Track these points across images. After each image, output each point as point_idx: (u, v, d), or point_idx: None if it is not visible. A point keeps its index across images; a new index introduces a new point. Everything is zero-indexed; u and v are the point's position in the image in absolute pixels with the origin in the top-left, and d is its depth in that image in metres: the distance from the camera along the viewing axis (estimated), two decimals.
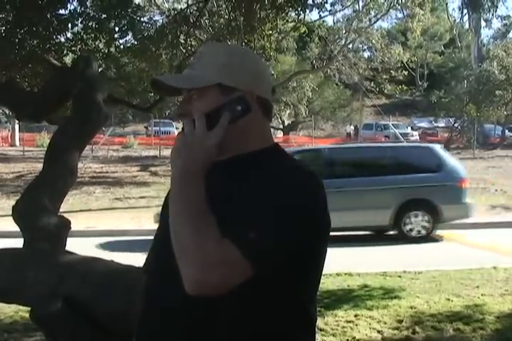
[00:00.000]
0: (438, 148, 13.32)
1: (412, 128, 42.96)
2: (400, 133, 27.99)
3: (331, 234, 1.70)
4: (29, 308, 3.16)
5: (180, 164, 1.54)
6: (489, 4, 39.40)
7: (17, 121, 29.78)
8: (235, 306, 1.55)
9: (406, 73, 42.42)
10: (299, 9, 8.72)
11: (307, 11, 9.26)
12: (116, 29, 7.39)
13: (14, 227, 3.64)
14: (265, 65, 1.85)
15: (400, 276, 8.29)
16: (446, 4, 48.60)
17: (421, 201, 11.93)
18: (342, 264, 8.35)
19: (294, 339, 1.64)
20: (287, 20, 10.64)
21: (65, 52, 7.01)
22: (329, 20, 73.26)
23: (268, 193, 1.55)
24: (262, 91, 1.70)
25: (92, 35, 7.06)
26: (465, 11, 43.02)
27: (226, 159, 1.67)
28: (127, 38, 8.07)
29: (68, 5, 7.10)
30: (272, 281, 1.55)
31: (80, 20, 7.03)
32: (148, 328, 1.67)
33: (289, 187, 1.57)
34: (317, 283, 1.72)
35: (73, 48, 7.05)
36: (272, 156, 1.70)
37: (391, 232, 12.23)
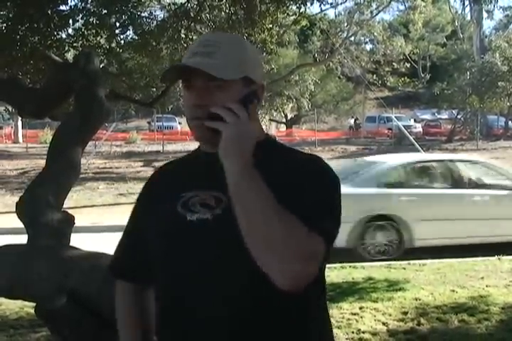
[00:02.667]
0: None
1: (415, 121, 42.96)
2: (403, 126, 27.92)
3: None
4: (34, 304, 3.17)
5: (239, 155, 1.49)
6: None
7: (20, 118, 29.79)
8: (290, 307, 1.55)
9: (408, 65, 42.44)
10: (300, 2, 8.69)
11: (308, 4, 9.22)
12: (117, 24, 7.37)
13: (18, 223, 3.65)
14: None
15: (404, 268, 8.30)
16: None
17: None
18: (343, 256, 8.37)
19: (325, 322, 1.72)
20: (288, 14, 10.60)
21: (66, 48, 6.99)
22: (331, 13, 73.08)
23: (311, 181, 1.58)
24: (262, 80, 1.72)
25: (93, 31, 7.05)
26: (466, 2, 42.85)
27: None
28: (128, 33, 8.05)
29: (69, 1, 7.08)
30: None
31: (80, 16, 7.01)
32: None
33: (323, 171, 1.64)
34: None
35: (74, 44, 7.04)
36: (274, 145, 1.74)
37: None
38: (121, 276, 1.86)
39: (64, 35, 7.17)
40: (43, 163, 4.04)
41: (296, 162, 1.63)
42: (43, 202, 3.59)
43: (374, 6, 34.18)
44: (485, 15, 44.94)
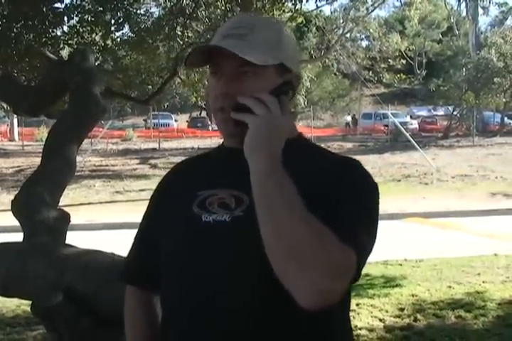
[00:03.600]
0: None
1: (411, 117, 42.95)
2: (399, 122, 27.92)
3: None
4: (30, 302, 3.17)
5: (267, 153, 1.31)
6: None
7: (15, 116, 29.76)
8: (313, 321, 1.39)
9: (404, 62, 42.47)
10: None
11: (304, 1, 9.22)
12: (113, 22, 7.36)
13: (14, 221, 3.64)
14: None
15: (400, 264, 8.32)
16: None
17: None
18: None
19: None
20: (284, 11, 10.61)
21: (61, 45, 6.98)
22: (326, 10, 73.03)
23: (347, 187, 1.40)
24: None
25: (88, 28, 7.04)
26: None
27: None
28: (124, 31, 8.04)
29: None
30: None
31: (75, 13, 7.00)
32: None
33: (361, 178, 1.46)
34: None
35: (69, 42, 7.03)
36: (307, 145, 1.57)
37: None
38: (136, 283, 1.67)
39: (59, 33, 7.16)
40: (38, 160, 4.03)
41: (331, 164, 1.47)
42: (38, 199, 3.58)
43: (369, 2, 34.20)
44: (480, 11, 45.07)
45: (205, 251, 1.42)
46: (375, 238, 1.40)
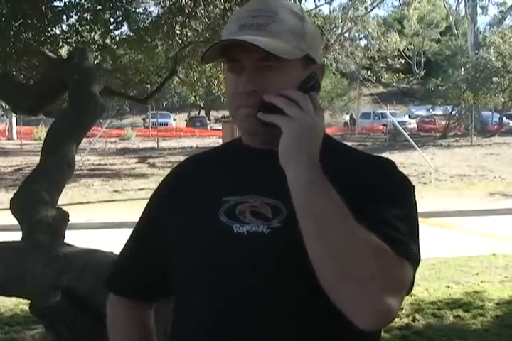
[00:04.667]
0: None
1: (409, 117, 43.00)
2: (398, 122, 27.92)
3: None
4: (29, 301, 3.16)
5: (306, 159, 1.18)
6: None
7: (14, 115, 29.75)
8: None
9: (403, 61, 42.46)
10: None
11: (303, 0, 9.22)
12: (112, 20, 7.36)
13: (13, 220, 3.64)
14: None
15: None
16: None
17: None
18: None
19: None
20: None
21: (60, 44, 6.99)
22: (325, 9, 73.11)
23: (388, 190, 1.28)
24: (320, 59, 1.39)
25: (88, 27, 7.04)
26: None
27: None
28: (123, 30, 8.05)
29: None
30: None
31: (74, 12, 7.00)
32: None
33: (401, 180, 1.33)
34: None
35: (68, 40, 7.03)
36: (334, 143, 1.40)
37: None
38: (124, 292, 1.54)
39: (58, 31, 7.16)
40: (37, 159, 4.02)
41: (366, 165, 1.33)
42: (37, 198, 3.57)
43: (368, 1, 34.24)
44: (479, 11, 45.07)
45: (239, 265, 1.26)
46: (419, 244, 1.27)
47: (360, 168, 1.31)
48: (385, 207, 1.23)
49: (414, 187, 1.35)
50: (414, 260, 1.20)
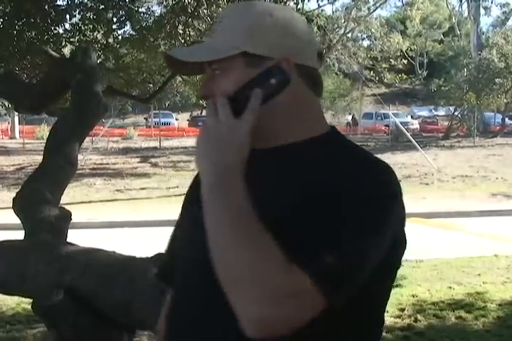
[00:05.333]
0: None
1: (412, 117, 42.93)
2: (400, 122, 27.91)
3: None
4: (31, 300, 3.16)
5: (209, 167, 1.19)
6: None
7: (16, 114, 29.76)
8: None
9: (405, 62, 42.44)
10: None
11: (306, 0, 9.21)
12: (115, 20, 7.36)
13: (15, 219, 3.64)
14: (305, 22, 1.35)
15: (401, 265, 8.30)
16: None
17: None
18: None
19: None
20: None
21: (63, 43, 6.99)
22: (328, 9, 73.04)
23: (335, 197, 1.18)
24: (303, 57, 1.30)
25: (90, 26, 7.04)
26: None
27: (267, 150, 1.31)
28: (125, 29, 8.04)
29: None
30: (357, 308, 1.24)
31: (77, 11, 7.01)
32: None
33: (362, 186, 1.20)
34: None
35: (71, 39, 7.04)
36: (328, 145, 1.31)
37: None
38: (164, 281, 1.54)
39: (61, 31, 7.16)
40: (39, 158, 4.02)
41: (344, 170, 1.23)
42: (40, 197, 3.58)
43: (371, 2, 34.20)
44: (482, 11, 45.08)
45: (201, 264, 1.24)
46: (364, 256, 1.17)
47: (337, 174, 1.22)
48: (325, 215, 1.17)
49: (392, 195, 1.27)
50: (323, 271, 1.12)
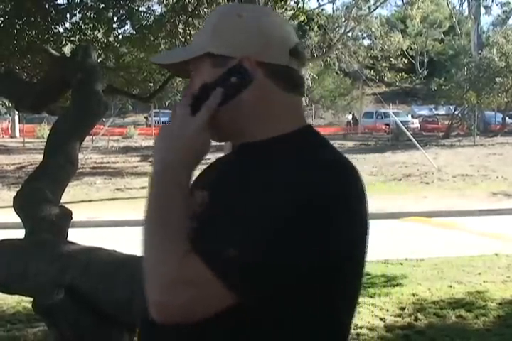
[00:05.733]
0: None
1: (412, 116, 42.94)
2: (401, 121, 27.91)
3: None
4: (31, 299, 3.16)
5: (158, 159, 1.26)
6: None
7: (17, 113, 29.75)
8: None
9: (406, 61, 42.36)
10: None
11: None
12: (115, 19, 7.36)
13: (15, 218, 3.64)
14: (279, 23, 1.37)
15: (401, 264, 8.31)
16: None
17: None
18: None
19: None
20: (286, 9, 10.60)
21: (63, 42, 6.98)
22: (328, 8, 73.02)
23: (260, 192, 1.20)
24: (268, 55, 1.31)
25: (91, 25, 7.04)
26: None
27: (235, 149, 1.38)
28: (126, 28, 8.04)
29: None
30: (284, 307, 1.22)
31: (78, 10, 7.00)
32: None
33: (294, 184, 1.19)
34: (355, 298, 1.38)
35: (72, 38, 7.03)
36: (291, 144, 1.30)
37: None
38: None
39: (61, 29, 7.16)
40: (40, 157, 4.02)
41: (287, 169, 1.22)
42: (40, 196, 3.58)
43: (372, 1, 34.10)
44: (483, 10, 44.99)
45: None
46: (274, 256, 1.16)
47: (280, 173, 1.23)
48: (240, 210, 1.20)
49: (335, 197, 1.20)
50: (211, 256, 1.16)
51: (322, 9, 37.40)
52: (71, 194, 14.11)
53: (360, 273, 1.32)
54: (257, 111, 1.31)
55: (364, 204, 1.27)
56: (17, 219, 3.60)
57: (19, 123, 35.05)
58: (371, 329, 5.46)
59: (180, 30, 7.97)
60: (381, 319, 5.75)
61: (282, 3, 8.78)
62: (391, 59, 40.06)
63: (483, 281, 7.17)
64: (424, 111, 46.49)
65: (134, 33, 7.92)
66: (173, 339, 1.27)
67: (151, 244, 1.21)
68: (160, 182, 1.24)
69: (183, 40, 8.02)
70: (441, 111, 43.49)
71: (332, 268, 1.22)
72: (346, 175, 1.26)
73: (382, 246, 9.69)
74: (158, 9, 9.31)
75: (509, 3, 48.98)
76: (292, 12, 13.76)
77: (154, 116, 36.92)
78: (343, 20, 35.79)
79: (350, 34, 37.27)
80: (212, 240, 1.18)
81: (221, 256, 1.15)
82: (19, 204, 3.61)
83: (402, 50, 40.47)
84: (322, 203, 1.18)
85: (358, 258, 1.29)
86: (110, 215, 12.73)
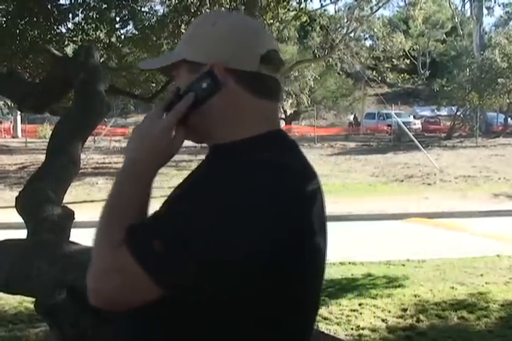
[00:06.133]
0: None
1: (414, 117, 42.89)
2: (403, 122, 27.90)
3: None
4: (33, 299, 3.16)
5: (127, 156, 1.36)
6: None
7: (19, 113, 29.77)
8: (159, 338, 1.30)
9: (408, 62, 42.34)
10: None
11: (308, 0, 9.21)
12: (117, 19, 7.35)
13: (18, 218, 3.64)
14: (253, 30, 1.41)
15: (403, 265, 8.30)
16: None
17: None
18: (345, 253, 8.35)
19: None
20: (288, 9, 10.61)
21: (66, 42, 6.98)
22: (331, 9, 73.05)
23: (193, 188, 1.30)
24: (238, 62, 1.36)
25: (93, 25, 7.03)
26: None
27: (209, 150, 1.43)
28: (128, 28, 8.02)
29: None
30: (216, 308, 1.24)
31: (80, 10, 6.99)
32: None
33: (222, 181, 1.25)
34: (309, 312, 1.36)
35: (74, 38, 7.03)
36: (249, 147, 1.35)
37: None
38: None
39: (64, 30, 7.15)
40: (42, 157, 4.02)
41: (229, 173, 1.28)
42: (42, 196, 3.57)
43: (374, 1, 34.08)
44: (485, 11, 44.91)
45: None
46: (200, 255, 1.20)
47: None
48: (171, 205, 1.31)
49: (242, 209, 1.22)
50: (133, 246, 1.23)
51: (324, 10, 37.41)
52: (73, 194, 14.12)
53: (298, 277, 1.29)
54: (225, 115, 1.36)
55: (306, 210, 1.28)
56: (19, 219, 3.60)
57: (21, 123, 35.08)
58: (373, 330, 5.46)
59: (183, 31, 7.96)
60: (383, 320, 5.75)
61: (285, 3, 8.78)
62: (393, 60, 40.03)
63: (485, 283, 7.17)
64: (426, 112, 46.43)
65: (137, 33, 7.91)
66: (120, 328, 1.40)
67: (96, 233, 1.31)
68: (119, 179, 1.35)
69: None
70: (444, 112, 43.43)
71: (254, 266, 1.22)
72: (282, 177, 1.26)
73: (384, 247, 9.71)
74: (160, 9, 9.31)
75: (511, 4, 48.95)
76: (294, 12, 13.77)
77: None
78: (346, 20, 35.77)
79: (352, 35, 37.26)
80: (143, 232, 1.25)
81: (146, 248, 1.21)
82: (21, 204, 3.61)
83: (404, 50, 40.45)
84: (245, 204, 1.21)
85: (293, 261, 1.26)
86: None
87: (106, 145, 28.45)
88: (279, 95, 1.43)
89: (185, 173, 1.47)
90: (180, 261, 1.20)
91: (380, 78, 41.86)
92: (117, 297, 1.25)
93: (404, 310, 6.06)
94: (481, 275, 7.61)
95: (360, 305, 6.16)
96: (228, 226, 1.20)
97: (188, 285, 1.22)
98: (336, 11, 40.06)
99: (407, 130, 25.52)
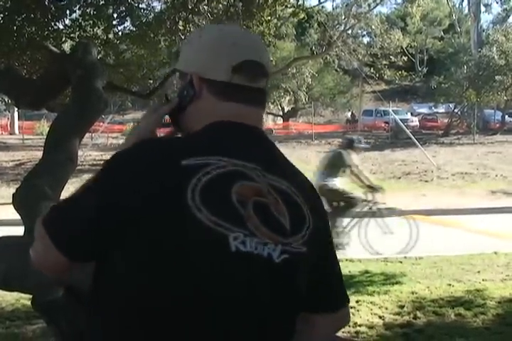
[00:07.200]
0: None
1: (411, 114, 42.92)
2: (400, 119, 27.90)
3: None
4: (30, 296, 3.16)
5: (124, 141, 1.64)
6: None
7: (16, 109, 29.75)
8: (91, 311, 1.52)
9: (405, 59, 42.31)
10: None
11: None
12: (115, 15, 7.33)
13: (15, 215, 3.63)
14: (232, 42, 1.52)
15: (400, 262, 8.31)
16: None
17: None
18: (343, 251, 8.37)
19: None
20: (286, 6, 10.57)
21: (63, 39, 6.96)
22: (328, 6, 73.04)
23: None
24: (210, 72, 1.51)
25: (91, 22, 7.01)
26: None
27: None
28: (126, 25, 8.00)
29: None
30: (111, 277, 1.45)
31: (77, 6, 6.97)
32: None
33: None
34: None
35: (72, 35, 7.00)
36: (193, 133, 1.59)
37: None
38: None
39: (61, 26, 7.13)
40: (39, 154, 4.02)
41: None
42: (39, 193, 3.56)
43: None
44: (483, 8, 44.98)
45: None
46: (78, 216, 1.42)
47: None
48: None
49: (106, 165, 1.47)
50: (43, 221, 1.44)
51: (322, 7, 37.48)
52: (70, 191, 14.05)
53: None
54: (200, 116, 1.53)
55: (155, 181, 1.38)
56: (16, 216, 3.60)
57: (18, 120, 35.04)
58: (370, 327, 5.46)
59: (180, 27, 7.95)
60: (380, 317, 5.75)
61: (282, 0, 8.75)
62: (391, 57, 40.01)
63: (483, 279, 7.18)
64: (423, 109, 46.43)
65: (134, 29, 7.89)
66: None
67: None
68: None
69: (182, 37, 8.00)
70: (441, 109, 43.44)
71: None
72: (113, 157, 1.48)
73: (381, 243, 9.71)
74: (158, 6, 9.27)
75: (509, 1, 48.96)
76: (292, 9, 13.75)
77: None
78: (343, 17, 35.76)
79: (350, 32, 37.25)
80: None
81: (49, 214, 1.46)
82: (18, 201, 3.60)
83: (401, 47, 40.48)
84: (111, 165, 1.46)
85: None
86: None
87: (103, 142, 28.43)
88: (256, 101, 1.57)
89: None
90: (64, 218, 1.43)
91: (377, 75, 41.84)
92: (42, 262, 1.47)
93: (402, 307, 6.06)
94: (478, 272, 7.62)
95: (357, 302, 6.16)
96: (93, 183, 1.48)
97: (78, 244, 1.40)
98: (333, 8, 40.11)
99: (404, 127, 25.53)
